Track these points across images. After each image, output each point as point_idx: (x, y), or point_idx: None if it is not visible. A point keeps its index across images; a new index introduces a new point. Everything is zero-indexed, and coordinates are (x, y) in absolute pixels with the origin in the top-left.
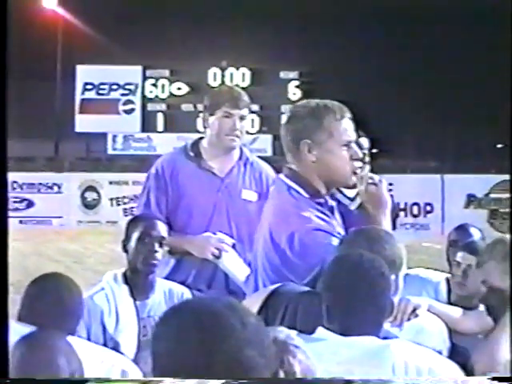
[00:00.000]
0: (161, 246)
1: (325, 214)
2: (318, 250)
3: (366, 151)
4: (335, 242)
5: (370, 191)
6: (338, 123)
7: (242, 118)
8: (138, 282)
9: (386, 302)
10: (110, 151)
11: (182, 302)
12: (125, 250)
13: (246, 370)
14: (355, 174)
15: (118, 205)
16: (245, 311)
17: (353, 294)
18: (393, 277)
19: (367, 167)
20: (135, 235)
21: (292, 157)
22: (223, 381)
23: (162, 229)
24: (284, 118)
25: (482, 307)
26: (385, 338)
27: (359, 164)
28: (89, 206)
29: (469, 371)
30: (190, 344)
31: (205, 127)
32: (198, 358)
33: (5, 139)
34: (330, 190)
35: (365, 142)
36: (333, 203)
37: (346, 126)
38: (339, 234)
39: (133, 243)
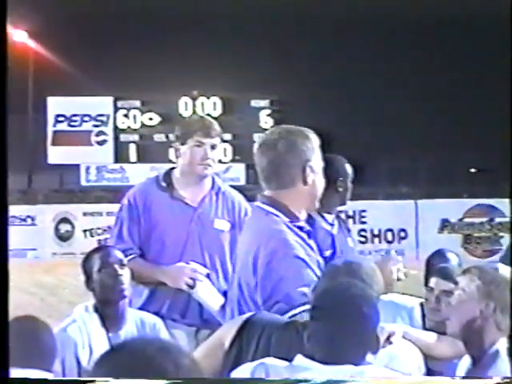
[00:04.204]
0: (122, 267)
1: (303, 238)
2: (291, 277)
3: (350, 177)
4: (311, 273)
5: None
6: (318, 147)
7: (213, 146)
8: (109, 312)
9: (372, 333)
10: (84, 183)
11: (117, 345)
12: (90, 288)
13: None
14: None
15: (92, 236)
16: (179, 353)
17: (340, 325)
18: None
19: (348, 193)
20: (95, 269)
21: (278, 182)
22: None
23: (117, 253)
24: (263, 145)
25: None
26: (358, 364)
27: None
28: (63, 237)
29: None
30: None
31: (177, 157)
32: None
33: (5, 174)
34: (310, 212)
35: (349, 168)
36: (309, 228)
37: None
38: (317, 261)
39: (95, 277)
